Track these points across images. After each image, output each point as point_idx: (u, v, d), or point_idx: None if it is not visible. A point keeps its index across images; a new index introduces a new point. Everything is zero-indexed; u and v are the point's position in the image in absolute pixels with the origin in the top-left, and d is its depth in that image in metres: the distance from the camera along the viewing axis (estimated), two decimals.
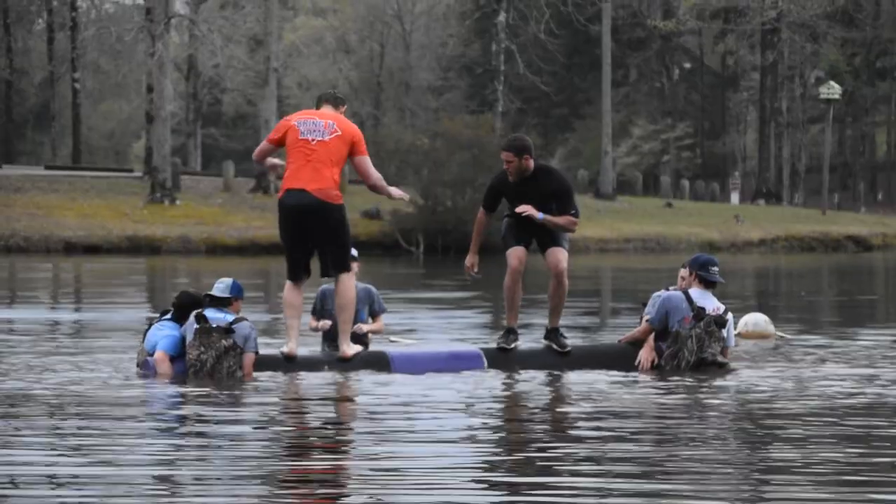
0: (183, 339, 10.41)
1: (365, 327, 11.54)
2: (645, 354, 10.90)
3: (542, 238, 11.03)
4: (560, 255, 10.97)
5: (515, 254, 10.89)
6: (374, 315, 11.72)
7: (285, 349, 10.59)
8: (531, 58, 62.04)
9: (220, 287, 10.46)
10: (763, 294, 24.74)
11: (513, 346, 10.95)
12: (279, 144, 10.86)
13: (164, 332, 10.48)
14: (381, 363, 10.66)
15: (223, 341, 10.25)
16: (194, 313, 10.34)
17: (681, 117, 73.34)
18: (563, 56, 65.77)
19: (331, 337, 11.43)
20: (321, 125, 10.61)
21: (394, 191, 10.89)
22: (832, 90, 58.86)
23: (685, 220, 50.92)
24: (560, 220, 10.91)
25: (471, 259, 11.11)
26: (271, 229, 43.36)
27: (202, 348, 10.26)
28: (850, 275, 30.96)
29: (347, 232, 10.72)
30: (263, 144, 11.08)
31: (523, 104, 66.32)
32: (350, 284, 10.72)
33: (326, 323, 11.40)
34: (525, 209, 10.84)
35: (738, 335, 13.52)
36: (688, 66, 76.19)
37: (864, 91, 71.91)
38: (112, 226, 40.60)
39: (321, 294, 11.57)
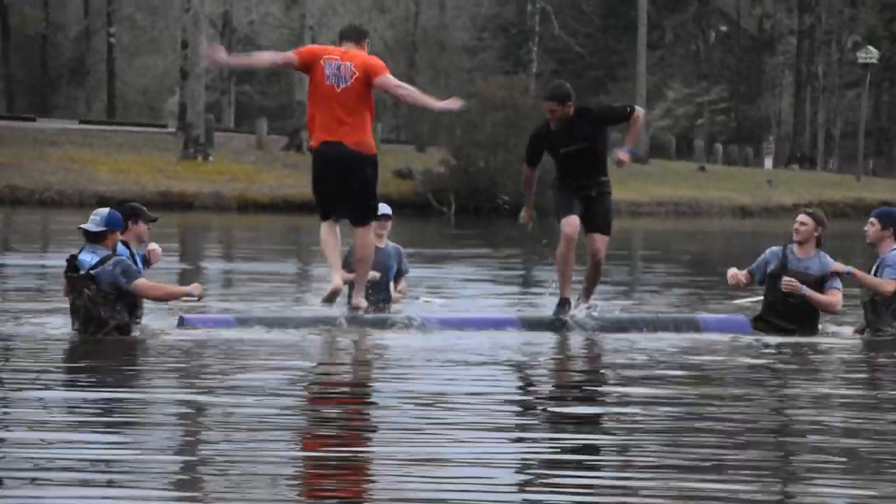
0: (130, 260, 9.95)
1: (395, 295, 11.63)
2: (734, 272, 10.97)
3: (592, 217, 11.02)
4: (603, 245, 11.05)
5: (570, 222, 10.88)
6: (398, 275, 11.76)
7: (330, 286, 10.57)
8: (566, 19, 61.75)
9: (95, 220, 9.78)
10: None
11: (568, 316, 10.89)
12: (301, 69, 10.62)
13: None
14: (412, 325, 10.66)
15: (86, 290, 9.67)
16: (67, 257, 9.78)
17: (716, 81, 72.89)
18: (599, 17, 65.44)
19: (375, 287, 11.35)
20: (342, 70, 10.46)
21: (438, 104, 10.72)
22: (870, 54, 58.39)
23: (718, 184, 50.73)
24: (634, 132, 11.08)
25: (527, 213, 11.23)
26: (303, 187, 43.41)
27: (74, 294, 9.79)
28: None
29: (375, 185, 10.71)
30: (285, 54, 10.80)
31: (557, 65, 66.04)
32: (368, 239, 10.72)
33: (375, 275, 11.35)
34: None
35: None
36: (724, 29, 75.66)
37: None
38: (145, 181, 40.77)
39: (352, 251, 11.62)
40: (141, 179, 40.84)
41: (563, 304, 10.91)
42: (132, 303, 9.89)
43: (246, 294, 14.09)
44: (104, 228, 9.77)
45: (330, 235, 10.62)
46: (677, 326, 10.96)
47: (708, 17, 73.70)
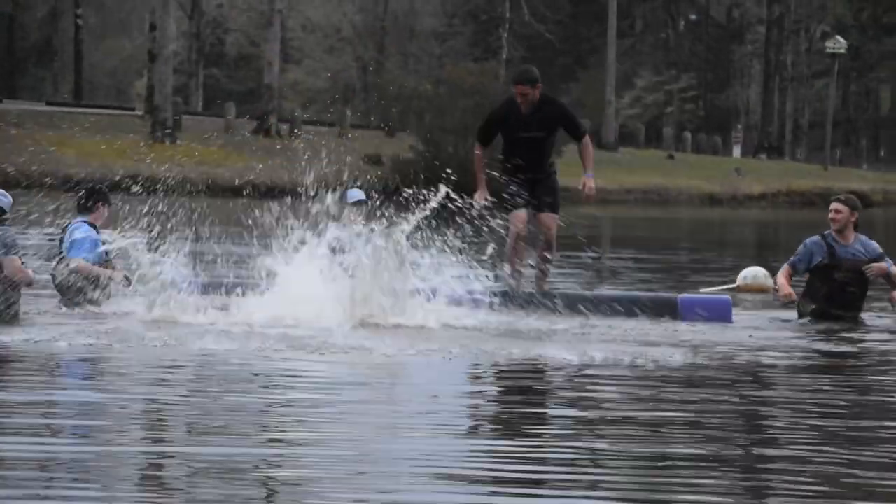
0: (96, 239, 10.44)
1: None
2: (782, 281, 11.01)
3: (539, 197, 11.11)
4: (553, 222, 11.20)
5: (518, 217, 11.01)
6: None
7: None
8: (536, 5, 61.71)
9: None
10: (763, 247, 24.71)
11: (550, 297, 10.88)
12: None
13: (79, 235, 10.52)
14: None
15: None
16: None
17: (685, 69, 73.04)
18: (569, 4, 65.44)
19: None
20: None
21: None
22: (838, 45, 58.60)
23: (687, 172, 50.83)
24: (589, 157, 11.24)
25: (481, 193, 11.17)
26: (272, 171, 43.29)
27: None
28: None
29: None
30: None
31: (527, 52, 66.03)
32: None
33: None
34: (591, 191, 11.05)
35: (737, 289, 13.49)
36: (693, 17, 75.81)
37: (870, 46, 71.58)
38: (112, 163, 40.52)
39: None
40: (107, 162, 40.58)
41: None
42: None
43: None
44: None
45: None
46: (656, 308, 10.91)
47: (677, 5, 73.81)
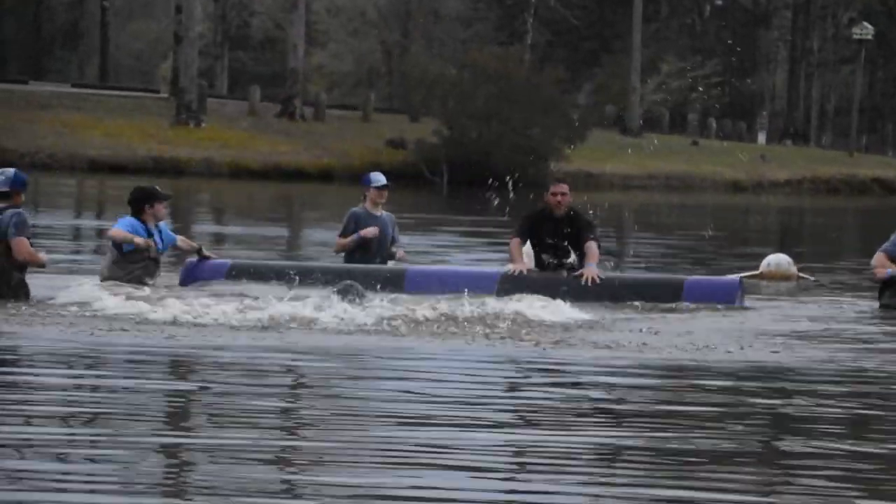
0: (134, 228, 10.65)
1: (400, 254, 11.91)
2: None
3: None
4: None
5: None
6: (392, 242, 11.96)
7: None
8: None
9: (0, 180, 10.28)
10: (787, 234, 24.64)
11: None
12: None
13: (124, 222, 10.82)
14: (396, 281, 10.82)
15: None
16: None
17: (710, 55, 72.73)
18: None
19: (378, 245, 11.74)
20: None
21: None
22: (865, 31, 58.26)
23: (711, 158, 50.66)
24: (593, 262, 11.29)
25: (518, 266, 11.39)
26: (296, 154, 43.33)
27: None
28: (875, 216, 30.81)
29: None
30: None
31: (553, 37, 65.86)
32: None
33: (374, 230, 11.62)
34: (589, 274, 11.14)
35: (760, 275, 13.47)
36: (720, 2, 75.46)
37: None
38: (137, 146, 40.61)
39: (353, 216, 11.77)
40: (132, 144, 40.67)
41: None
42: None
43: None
44: (8, 189, 10.13)
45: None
46: (660, 289, 10.91)
47: None
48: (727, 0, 74.60)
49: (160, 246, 10.73)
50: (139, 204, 10.68)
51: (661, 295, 10.86)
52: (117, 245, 10.56)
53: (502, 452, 5.77)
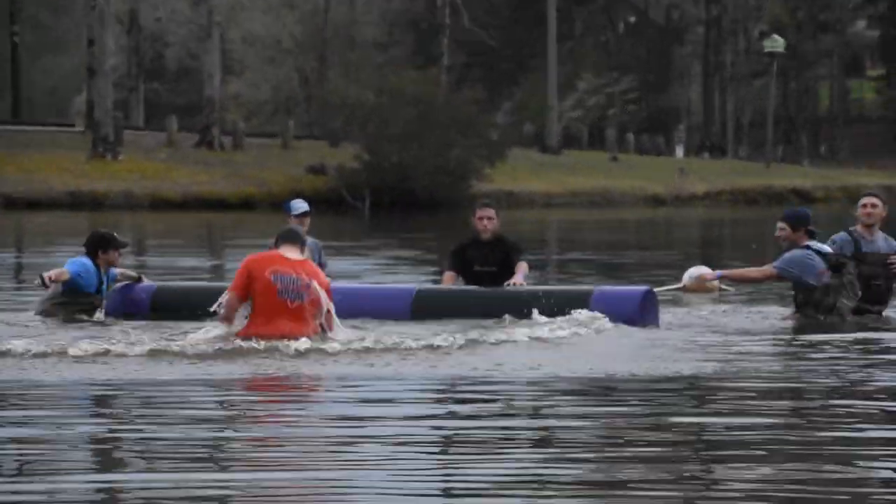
0: (86, 269, 10.92)
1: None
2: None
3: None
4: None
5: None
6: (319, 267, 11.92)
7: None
8: (476, 11, 61.82)
9: None
10: (708, 245, 24.85)
11: None
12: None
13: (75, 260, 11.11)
14: None
15: None
16: None
17: (626, 71, 73.39)
18: (509, 9, 65.62)
19: None
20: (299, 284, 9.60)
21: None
22: (776, 43, 59.10)
23: (630, 173, 51.09)
24: (521, 274, 11.35)
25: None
26: (215, 184, 43.09)
27: None
28: None
29: None
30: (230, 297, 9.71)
31: (469, 58, 66.16)
32: None
33: None
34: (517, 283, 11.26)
35: (682, 288, 13.55)
36: (633, 19, 76.25)
37: (807, 45, 72.23)
38: (54, 180, 40.22)
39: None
40: (48, 179, 40.26)
41: None
42: None
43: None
44: None
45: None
46: (569, 300, 10.79)
47: (616, 8, 74.20)
48: (640, 17, 75.39)
49: (104, 287, 11.03)
50: (94, 247, 10.95)
51: (570, 305, 10.82)
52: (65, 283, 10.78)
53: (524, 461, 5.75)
